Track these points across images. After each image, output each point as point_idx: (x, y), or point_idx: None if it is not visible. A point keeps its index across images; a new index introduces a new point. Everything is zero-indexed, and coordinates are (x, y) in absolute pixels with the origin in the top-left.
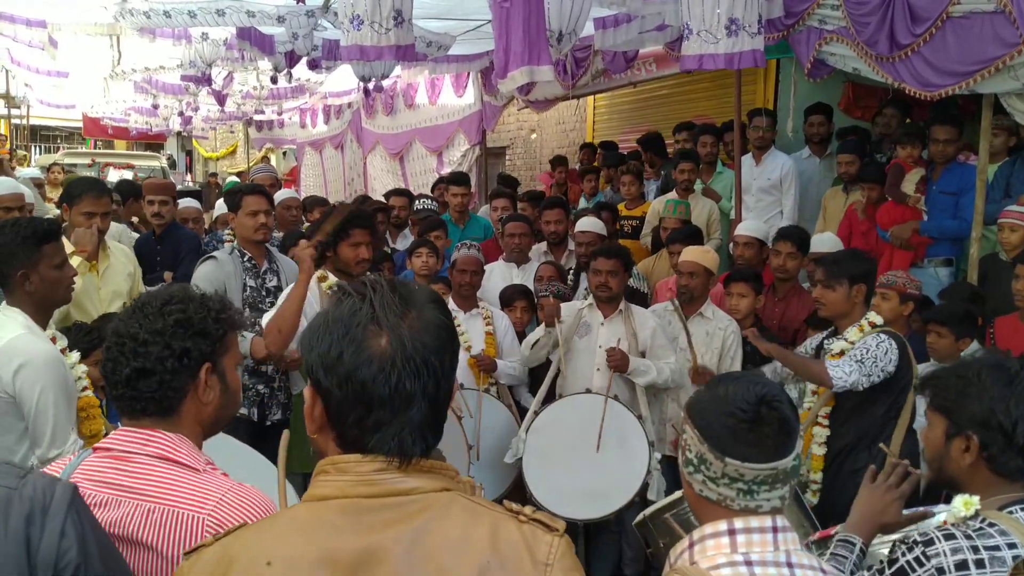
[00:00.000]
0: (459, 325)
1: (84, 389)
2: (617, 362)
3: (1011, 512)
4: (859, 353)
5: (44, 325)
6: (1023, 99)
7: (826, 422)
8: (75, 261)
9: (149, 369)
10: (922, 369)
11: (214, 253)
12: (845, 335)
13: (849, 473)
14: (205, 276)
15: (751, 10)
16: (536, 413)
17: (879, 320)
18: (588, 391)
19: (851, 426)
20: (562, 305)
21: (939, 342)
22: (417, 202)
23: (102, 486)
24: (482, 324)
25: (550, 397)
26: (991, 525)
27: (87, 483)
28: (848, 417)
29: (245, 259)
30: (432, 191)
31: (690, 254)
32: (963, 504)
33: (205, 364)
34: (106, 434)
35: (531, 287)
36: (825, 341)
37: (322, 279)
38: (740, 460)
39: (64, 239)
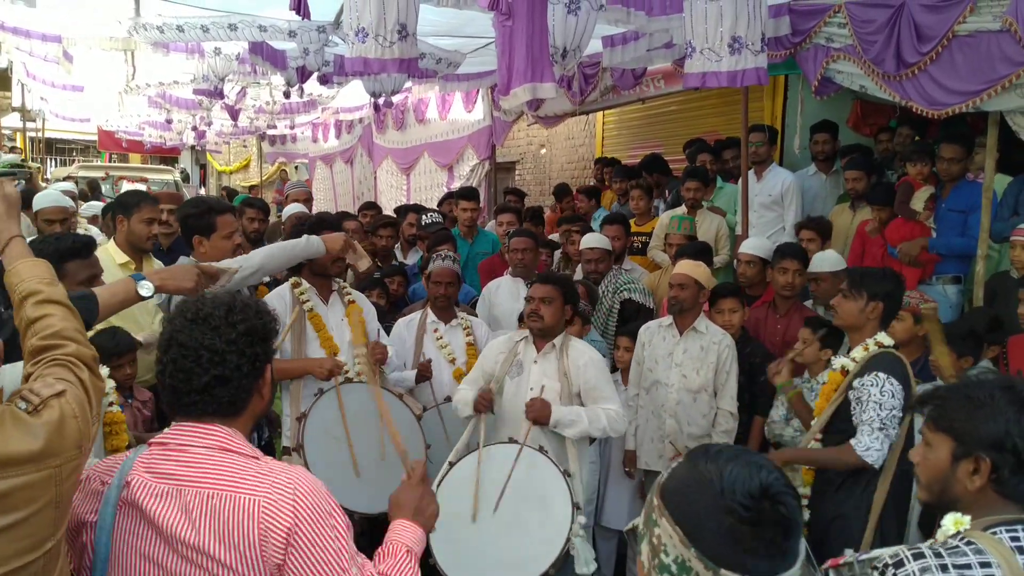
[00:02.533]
0: (440, 337)
1: (111, 404)
2: (535, 413)
3: (994, 533)
4: (874, 415)
5: None
6: None
7: (821, 436)
8: (121, 270)
9: (227, 376)
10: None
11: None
12: (852, 353)
13: (836, 491)
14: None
15: (754, 28)
16: (451, 464)
17: (888, 341)
18: (511, 440)
19: (842, 443)
20: (496, 341)
21: (941, 360)
22: (424, 216)
23: (161, 478)
24: (463, 335)
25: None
26: (968, 544)
27: (147, 475)
28: (840, 434)
29: None
30: (440, 206)
31: (682, 267)
32: (953, 523)
33: (267, 365)
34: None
35: None
36: (833, 358)
37: (295, 285)
38: (739, 573)
39: (115, 246)
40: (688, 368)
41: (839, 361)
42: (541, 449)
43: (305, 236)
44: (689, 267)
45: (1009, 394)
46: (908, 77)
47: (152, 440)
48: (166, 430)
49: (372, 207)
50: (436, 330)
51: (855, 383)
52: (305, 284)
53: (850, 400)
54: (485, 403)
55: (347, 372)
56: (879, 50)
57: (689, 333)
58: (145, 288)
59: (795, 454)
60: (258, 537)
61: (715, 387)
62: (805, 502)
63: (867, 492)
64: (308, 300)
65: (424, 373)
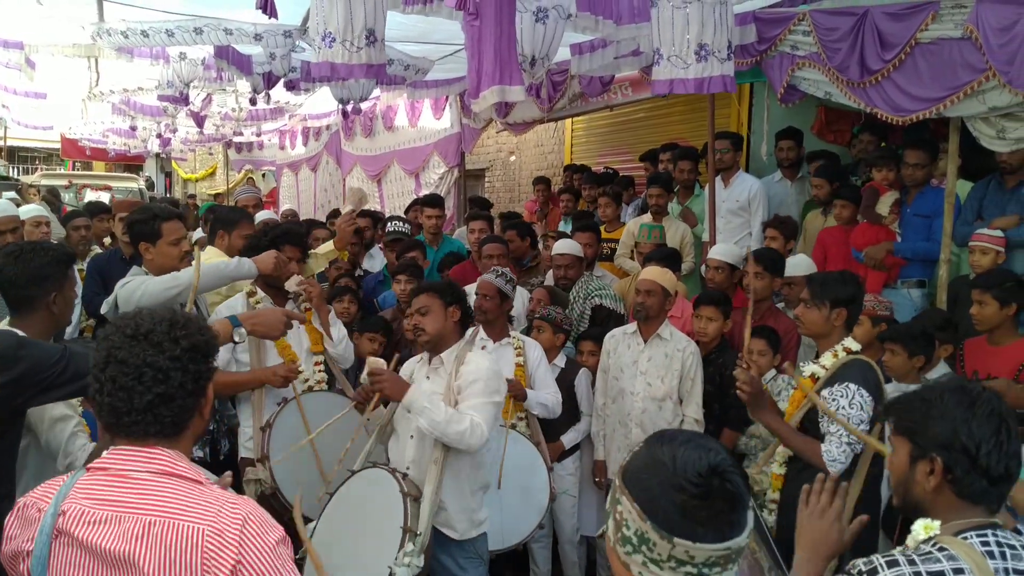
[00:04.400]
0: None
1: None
2: (388, 389)
3: (965, 538)
4: (843, 431)
5: None
6: (989, 123)
7: None
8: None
9: (170, 395)
10: (888, 390)
11: (135, 273)
12: (820, 359)
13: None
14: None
15: (720, 36)
16: (330, 495)
17: (855, 346)
18: (373, 464)
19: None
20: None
21: (893, 360)
22: (389, 224)
23: (100, 504)
24: (513, 355)
25: None
26: (941, 549)
27: (85, 501)
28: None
29: None
30: (407, 213)
31: (648, 273)
32: (923, 528)
33: (209, 383)
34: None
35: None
36: (801, 363)
37: (251, 294)
38: (691, 540)
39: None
40: (653, 376)
41: (808, 368)
42: (394, 471)
43: (237, 258)
44: (656, 273)
45: (958, 395)
46: (872, 84)
47: (91, 465)
48: (104, 454)
49: (370, 214)
50: (484, 347)
51: (824, 392)
52: (260, 293)
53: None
54: (362, 395)
55: (308, 381)
56: (843, 57)
57: (653, 340)
58: (239, 335)
59: (777, 423)
60: (200, 567)
61: (680, 395)
62: (773, 507)
63: (836, 498)
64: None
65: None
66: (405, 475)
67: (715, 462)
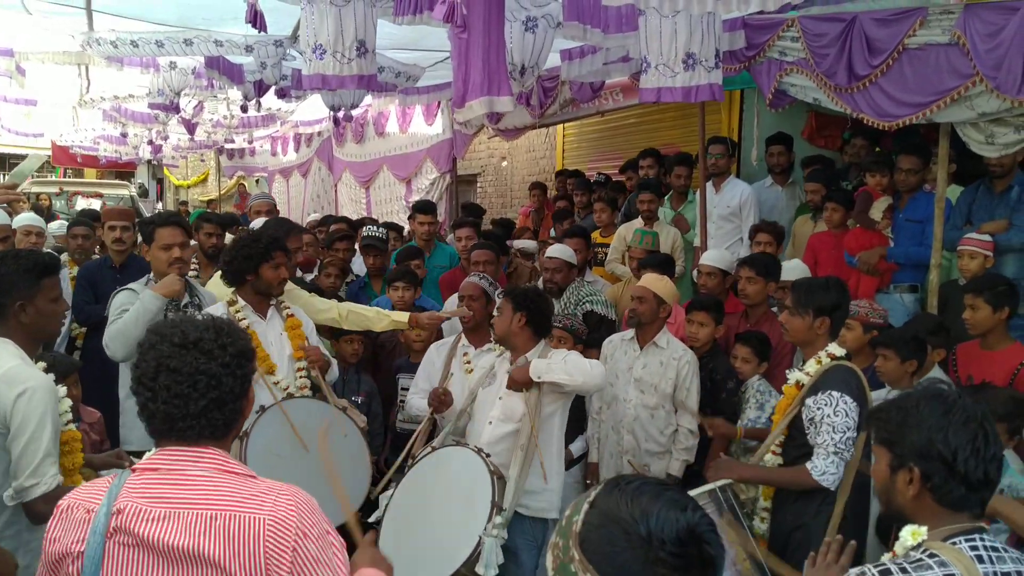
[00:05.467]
0: (468, 362)
1: (68, 423)
2: (515, 381)
3: (954, 543)
4: (828, 439)
5: (33, 357)
6: (978, 129)
7: (779, 450)
8: None
9: (223, 399)
10: (876, 396)
11: (130, 284)
12: (805, 366)
13: (795, 501)
14: (120, 308)
15: (708, 45)
16: (409, 467)
17: (839, 352)
18: (456, 442)
19: (803, 457)
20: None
21: (885, 365)
22: (364, 229)
23: (158, 502)
24: (496, 359)
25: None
26: (931, 556)
27: (140, 500)
28: (800, 448)
29: None
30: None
31: (644, 280)
32: (911, 535)
33: (251, 384)
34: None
35: None
36: (787, 371)
37: (231, 303)
38: None
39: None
40: (646, 384)
41: (793, 375)
42: (480, 451)
43: (139, 300)
44: (650, 280)
45: (933, 403)
46: (859, 89)
47: (137, 466)
48: (150, 455)
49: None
50: (466, 354)
51: (808, 401)
52: (241, 302)
53: (803, 417)
54: (437, 400)
55: (288, 388)
56: (831, 63)
57: (649, 348)
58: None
59: (754, 473)
60: (263, 555)
61: (675, 403)
62: (765, 514)
63: (826, 502)
64: (244, 318)
65: (435, 405)
66: (488, 455)
67: (693, 522)
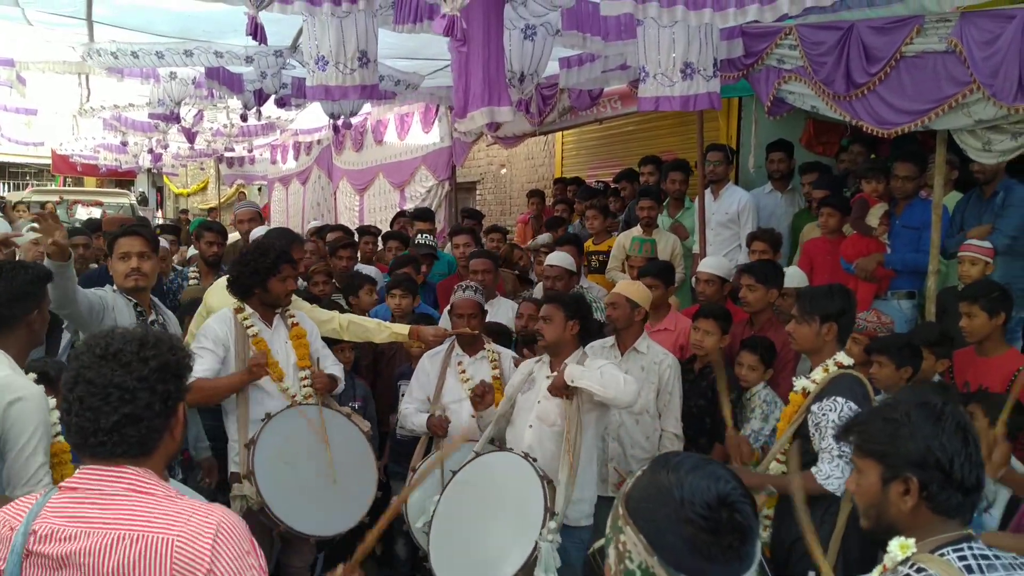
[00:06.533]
0: (464, 371)
1: (57, 435)
2: (554, 389)
3: (942, 555)
4: (833, 443)
5: (24, 365)
6: (975, 136)
7: (783, 458)
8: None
9: (137, 415)
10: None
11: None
12: (812, 374)
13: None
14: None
15: (706, 55)
16: (453, 473)
17: (847, 361)
18: (500, 448)
19: (807, 464)
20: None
21: (880, 371)
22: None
23: (71, 522)
24: (489, 368)
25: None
26: (919, 570)
27: (56, 520)
28: (804, 456)
29: (134, 304)
30: (392, 225)
31: (618, 286)
32: (899, 548)
33: (180, 403)
34: None
35: (509, 324)
36: (794, 378)
37: (238, 311)
38: None
39: None
40: None
41: (800, 383)
42: (527, 456)
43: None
44: (623, 286)
45: (924, 411)
46: (857, 97)
47: (62, 484)
48: (76, 472)
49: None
50: (460, 363)
51: (813, 407)
52: (248, 309)
53: (808, 424)
54: (437, 428)
55: (295, 396)
56: (829, 71)
57: (630, 354)
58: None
59: (760, 479)
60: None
61: (659, 408)
62: (767, 523)
63: (830, 513)
64: (252, 325)
65: (435, 430)
66: (535, 459)
67: (725, 492)
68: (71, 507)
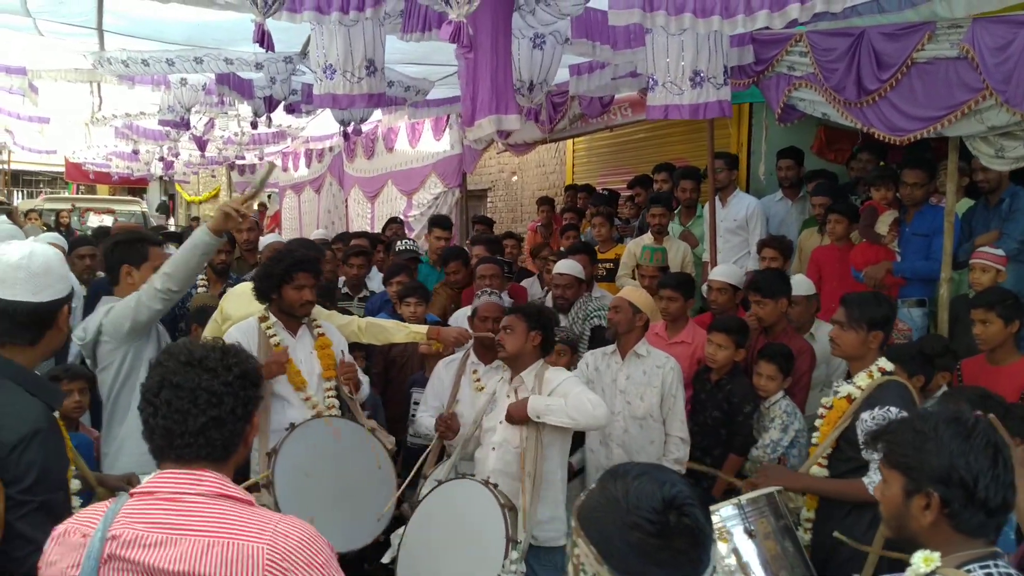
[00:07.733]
0: (478, 379)
1: None
2: (513, 416)
3: (969, 571)
4: None
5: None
6: (988, 142)
7: (826, 463)
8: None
9: (223, 419)
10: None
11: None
12: (855, 380)
13: (840, 515)
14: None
15: (716, 62)
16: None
17: (889, 366)
18: (462, 475)
19: (850, 472)
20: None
21: None
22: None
23: (154, 527)
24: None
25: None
26: None
27: (137, 526)
28: (848, 463)
29: None
30: (384, 231)
31: (622, 291)
32: (923, 560)
33: (255, 411)
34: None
35: None
36: (835, 382)
37: (263, 319)
38: None
39: None
40: (632, 394)
41: (844, 388)
42: (487, 483)
43: (190, 237)
44: (628, 291)
45: (953, 427)
46: (869, 104)
47: (135, 490)
48: (149, 478)
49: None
50: (475, 371)
51: (864, 415)
52: (272, 318)
53: (857, 431)
54: (444, 426)
55: (317, 407)
56: (840, 78)
57: (630, 358)
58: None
59: (807, 482)
60: None
61: (663, 413)
62: (808, 525)
63: (877, 519)
64: (275, 334)
65: (441, 430)
66: (496, 485)
67: (670, 495)
68: (150, 512)
